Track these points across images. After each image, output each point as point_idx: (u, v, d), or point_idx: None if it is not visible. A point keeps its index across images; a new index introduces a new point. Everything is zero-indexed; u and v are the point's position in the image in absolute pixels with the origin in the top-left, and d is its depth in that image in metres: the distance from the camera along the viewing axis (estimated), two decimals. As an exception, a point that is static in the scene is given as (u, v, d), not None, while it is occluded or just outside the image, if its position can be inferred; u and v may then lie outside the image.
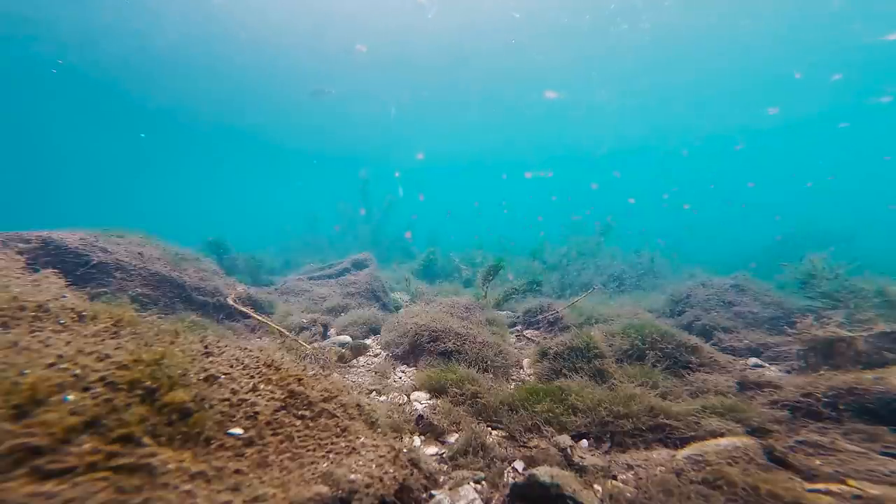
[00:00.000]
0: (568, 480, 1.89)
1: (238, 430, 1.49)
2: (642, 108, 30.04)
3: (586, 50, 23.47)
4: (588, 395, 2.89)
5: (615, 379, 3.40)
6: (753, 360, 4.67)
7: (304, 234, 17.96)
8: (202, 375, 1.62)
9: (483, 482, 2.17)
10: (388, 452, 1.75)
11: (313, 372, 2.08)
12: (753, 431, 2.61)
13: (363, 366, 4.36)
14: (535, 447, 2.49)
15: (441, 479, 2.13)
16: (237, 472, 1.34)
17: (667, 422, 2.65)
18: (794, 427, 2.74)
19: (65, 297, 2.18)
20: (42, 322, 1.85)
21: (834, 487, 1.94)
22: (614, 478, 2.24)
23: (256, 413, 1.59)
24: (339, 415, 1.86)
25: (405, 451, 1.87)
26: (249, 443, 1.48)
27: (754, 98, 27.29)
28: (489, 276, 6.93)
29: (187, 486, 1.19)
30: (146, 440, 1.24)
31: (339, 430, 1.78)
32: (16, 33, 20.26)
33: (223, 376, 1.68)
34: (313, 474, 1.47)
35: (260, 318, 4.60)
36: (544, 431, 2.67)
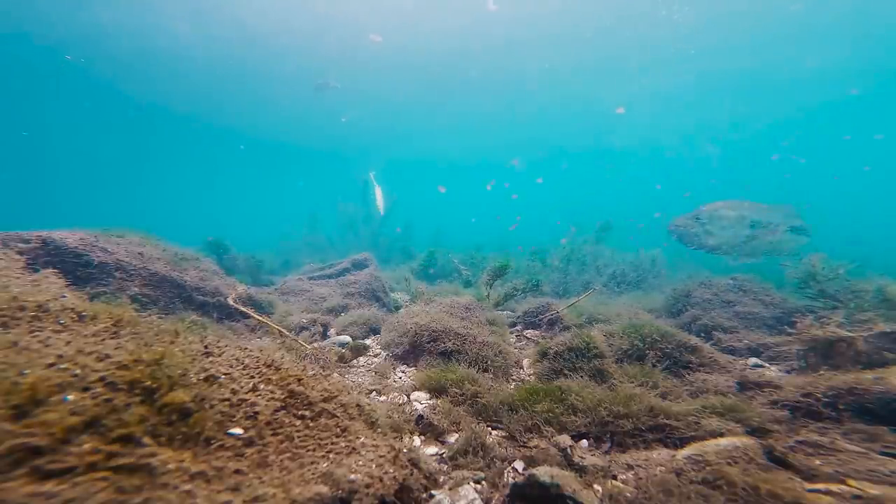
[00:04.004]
0: (568, 480, 1.89)
1: (238, 430, 1.49)
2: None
3: (590, 52, 23.51)
4: (588, 395, 2.89)
5: (615, 379, 3.40)
6: (753, 360, 4.67)
7: (304, 234, 17.94)
8: (202, 375, 1.62)
9: (483, 482, 2.17)
10: (388, 452, 1.75)
11: (313, 372, 2.07)
12: (753, 431, 2.61)
13: (363, 366, 4.36)
14: (535, 447, 2.49)
15: (441, 479, 2.13)
16: (237, 472, 1.34)
17: (667, 422, 2.64)
18: (794, 427, 2.73)
19: (65, 297, 2.18)
20: (42, 322, 1.85)
21: (834, 487, 1.94)
22: (614, 478, 2.24)
23: (256, 413, 1.59)
24: (339, 415, 1.86)
25: (405, 451, 1.87)
26: (249, 443, 1.48)
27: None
28: (495, 276, 6.92)
29: (187, 486, 1.19)
30: (146, 440, 1.24)
31: (339, 430, 1.78)
32: (16, 32, 20.28)
33: (223, 376, 1.68)
34: (313, 474, 1.47)
35: (260, 318, 4.60)
36: (544, 431, 2.66)
